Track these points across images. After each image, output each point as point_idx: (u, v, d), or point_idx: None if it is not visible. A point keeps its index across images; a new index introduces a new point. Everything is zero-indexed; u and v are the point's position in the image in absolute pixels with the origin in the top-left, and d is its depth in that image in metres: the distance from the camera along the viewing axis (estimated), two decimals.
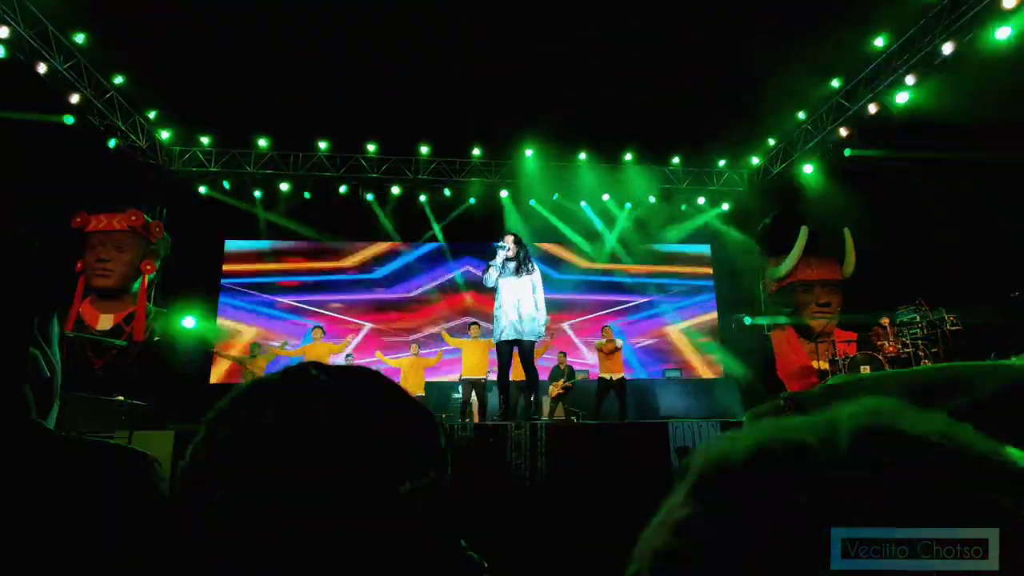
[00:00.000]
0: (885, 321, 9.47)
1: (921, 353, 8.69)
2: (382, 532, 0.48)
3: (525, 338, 6.63)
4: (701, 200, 13.36)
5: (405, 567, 0.49)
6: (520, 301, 6.60)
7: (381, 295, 12.98)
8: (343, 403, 0.53)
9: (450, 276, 13.17)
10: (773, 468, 0.28)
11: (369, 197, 12.56)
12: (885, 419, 0.28)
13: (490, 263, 6.71)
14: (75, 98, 9.66)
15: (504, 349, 6.75)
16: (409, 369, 9.52)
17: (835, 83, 10.45)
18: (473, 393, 9.14)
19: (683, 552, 0.28)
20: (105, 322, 9.84)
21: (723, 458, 0.30)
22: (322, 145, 12.05)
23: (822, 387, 0.81)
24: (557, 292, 12.97)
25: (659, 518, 0.31)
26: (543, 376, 9.51)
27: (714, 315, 13.49)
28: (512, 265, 6.68)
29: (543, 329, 6.90)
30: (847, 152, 11.07)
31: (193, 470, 0.52)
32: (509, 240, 6.75)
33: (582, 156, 12.46)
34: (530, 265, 6.77)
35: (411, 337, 12.14)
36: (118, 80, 10.16)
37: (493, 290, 6.87)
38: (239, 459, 0.49)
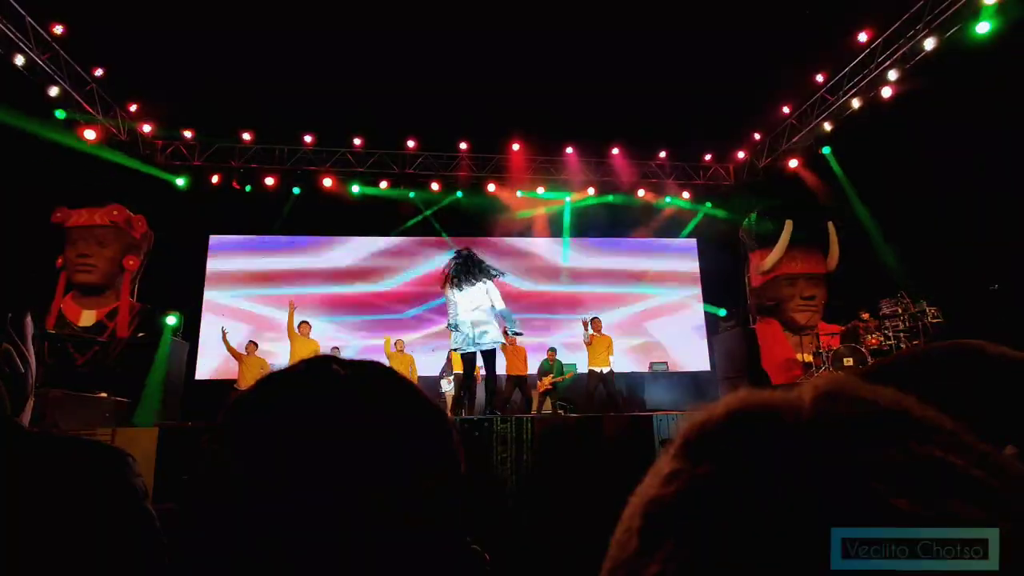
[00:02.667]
0: (865, 315, 9.59)
1: (903, 346, 8.78)
2: (397, 524, 0.49)
3: (485, 347, 6.69)
4: (686, 194, 13.41)
5: (418, 559, 0.50)
6: (474, 312, 6.64)
7: (364, 289, 12.92)
8: (362, 397, 0.54)
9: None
10: (750, 420, 0.31)
11: (355, 190, 12.49)
12: (844, 386, 0.32)
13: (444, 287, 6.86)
14: (54, 91, 9.48)
15: (466, 359, 6.87)
16: (394, 365, 9.46)
17: (819, 78, 10.52)
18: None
19: (673, 499, 0.30)
20: (88, 318, 9.72)
21: (703, 420, 0.33)
22: (307, 139, 11.95)
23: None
24: (549, 287, 13.15)
25: (647, 478, 0.34)
26: (531, 371, 9.74)
27: (700, 308, 13.57)
28: (459, 280, 6.70)
29: (503, 333, 6.92)
30: (825, 150, 11.22)
31: (209, 463, 0.52)
32: (452, 259, 6.85)
33: (569, 150, 12.47)
34: (478, 275, 6.72)
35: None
36: (98, 72, 9.99)
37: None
38: (256, 451, 0.49)
